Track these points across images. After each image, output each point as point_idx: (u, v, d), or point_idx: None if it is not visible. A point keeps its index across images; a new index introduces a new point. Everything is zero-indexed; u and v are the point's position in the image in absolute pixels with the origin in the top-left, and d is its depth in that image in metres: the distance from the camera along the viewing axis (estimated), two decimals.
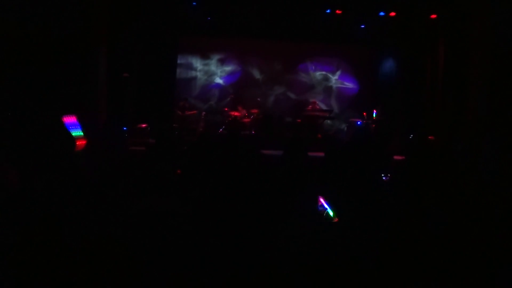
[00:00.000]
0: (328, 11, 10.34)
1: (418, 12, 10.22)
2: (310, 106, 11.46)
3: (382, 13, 10.35)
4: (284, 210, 2.25)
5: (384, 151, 4.29)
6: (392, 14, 10.32)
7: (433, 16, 10.16)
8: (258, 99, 12.33)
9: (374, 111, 11.25)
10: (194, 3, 10.20)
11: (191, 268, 1.92)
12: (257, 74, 12.75)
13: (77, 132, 2.72)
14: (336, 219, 2.09)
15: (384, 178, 2.63)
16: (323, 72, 12.87)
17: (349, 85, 12.88)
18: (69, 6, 7.88)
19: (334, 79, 12.90)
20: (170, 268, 1.95)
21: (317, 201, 2.28)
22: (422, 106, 11.18)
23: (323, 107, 12.03)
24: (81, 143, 2.60)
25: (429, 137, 9.50)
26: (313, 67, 12.84)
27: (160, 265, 1.96)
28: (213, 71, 12.67)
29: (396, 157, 4.87)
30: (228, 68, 12.68)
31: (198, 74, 12.64)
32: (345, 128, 11.93)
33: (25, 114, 6.54)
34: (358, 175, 2.23)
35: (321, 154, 4.19)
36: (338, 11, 10.33)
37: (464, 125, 8.72)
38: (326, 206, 2.24)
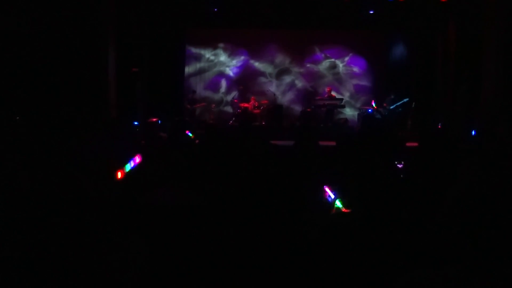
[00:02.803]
0: None
1: None
2: (326, 95, 11.37)
3: None
4: (295, 200, 2.24)
5: (396, 138, 4.24)
6: None
7: None
8: (268, 89, 12.29)
9: (373, 101, 11.13)
10: None
11: (203, 259, 1.94)
12: (265, 64, 12.68)
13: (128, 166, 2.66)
14: (344, 209, 2.06)
15: (398, 166, 2.59)
16: (333, 60, 12.74)
17: (359, 71, 12.73)
18: (77, 2, 7.91)
19: (344, 67, 12.76)
20: (183, 259, 1.96)
21: (323, 191, 2.24)
22: (434, 90, 11.01)
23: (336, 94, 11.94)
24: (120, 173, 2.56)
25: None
26: (322, 55, 12.71)
27: (174, 256, 1.98)
28: (222, 62, 12.63)
29: (408, 144, 4.80)
30: (237, 59, 12.62)
31: (207, 66, 12.61)
32: (357, 116, 11.84)
33: (36, 113, 6.62)
34: (371, 163, 2.21)
35: (333, 143, 4.16)
36: None
37: (479, 108, 8.56)
38: (333, 196, 2.19)
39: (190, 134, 5.04)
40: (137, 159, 2.56)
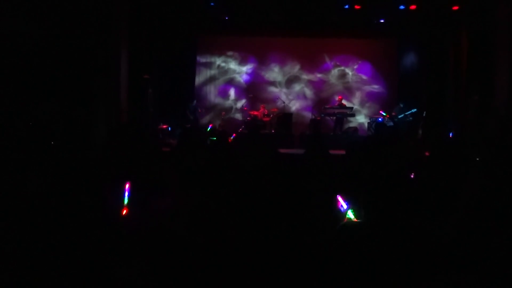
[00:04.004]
0: (347, 6, 10.22)
1: (439, 4, 9.99)
2: (337, 103, 11.35)
3: (402, 7, 10.18)
4: (306, 209, 2.24)
5: (407, 147, 4.22)
6: (413, 7, 10.12)
7: (455, 7, 9.92)
8: (277, 97, 12.31)
9: (381, 111, 11.10)
10: (212, 3, 10.25)
11: (211, 264, 1.94)
12: (275, 72, 12.72)
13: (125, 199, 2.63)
14: (355, 219, 2.04)
15: (411, 176, 2.57)
16: (342, 68, 12.73)
17: (369, 80, 12.69)
18: (90, 9, 8.03)
19: (354, 75, 12.74)
20: (193, 263, 1.97)
21: (336, 201, 2.22)
22: (445, 99, 10.93)
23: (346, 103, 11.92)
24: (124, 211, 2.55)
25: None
26: (332, 63, 12.71)
27: (184, 260, 1.99)
28: (232, 70, 12.70)
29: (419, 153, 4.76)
30: (247, 67, 12.69)
31: (217, 73, 12.69)
32: (367, 124, 11.79)
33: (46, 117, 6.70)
34: (382, 172, 2.19)
35: (342, 151, 4.15)
36: (356, 6, 10.20)
37: (490, 116, 8.47)
38: (345, 206, 2.18)
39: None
40: (127, 186, 2.57)
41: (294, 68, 12.71)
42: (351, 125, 12.04)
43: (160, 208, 2.41)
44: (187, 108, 11.37)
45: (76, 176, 2.62)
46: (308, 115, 12.18)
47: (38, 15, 7.35)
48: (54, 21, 7.62)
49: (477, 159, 3.54)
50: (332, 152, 4.11)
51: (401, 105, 10.85)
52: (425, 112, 10.99)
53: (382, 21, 11.17)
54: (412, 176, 2.63)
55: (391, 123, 10.46)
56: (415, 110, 10.65)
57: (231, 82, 12.71)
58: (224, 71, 12.70)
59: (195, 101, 11.63)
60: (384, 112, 11.02)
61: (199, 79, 12.56)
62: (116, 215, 2.39)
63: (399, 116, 10.73)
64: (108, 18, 8.44)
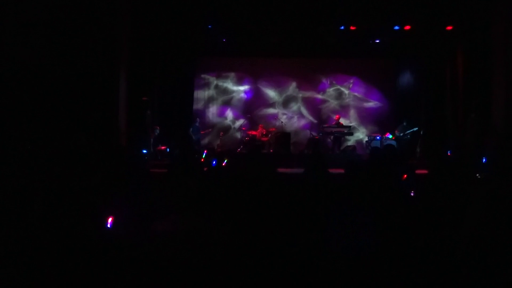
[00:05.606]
0: (342, 27, 10.39)
1: (433, 24, 10.17)
2: (334, 122, 11.40)
3: (396, 27, 10.35)
4: (306, 228, 2.21)
5: (405, 165, 4.21)
6: (407, 27, 10.30)
7: (449, 27, 10.09)
8: (275, 117, 12.37)
9: (397, 131, 11.12)
10: (209, 26, 10.42)
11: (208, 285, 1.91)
12: (273, 92, 12.81)
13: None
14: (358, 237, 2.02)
15: (412, 194, 2.56)
16: (340, 87, 12.84)
17: (366, 99, 12.79)
18: (90, 32, 8.14)
19: (351, 94, 12.84)
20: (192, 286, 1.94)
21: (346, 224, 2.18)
22: (443, 117, 11.00)
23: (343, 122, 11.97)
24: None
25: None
26: (329, 83, 12.83)
27: (183, 283, 1.96)
28: (230, 90, 12.81)
29: (418, 171, 4.75)
30: (245, 87, 12.79)
31: (215, 94, 12.78)
32: (365, 143, 11.82)
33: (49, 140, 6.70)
34: (383, 191, 2.18)
35: (341, 170, 4.14)
36: (352, 27, 10.37)
37: (488, 135, 8.50)
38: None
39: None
40: (110, 220, 2.48)
41: (292, 88, 12.81)
42: (349, 143, 12.05)
43: (159, 231, 2.38)
44: (191, 127, 11.44)
45: (74, 194, 2.61)
46: (306, 134, 12.21)
47: (37, 39, 7.44)
48: (54, 44, 7.72)
49: (478, 175, 3.54)
50: (331, 171, 4.10)
51: (404, 124, 10.90)
52: (422, 131, 11.04)
53: (377, 41, 11.33)
54: (412, 194, 2.62)
55: (392, 142, 10.49)
56: (416, 128, 10.72)
57: (229, 103, 12.80)
58: (222, 92, 12.80)
59: (198, 121, 11.69)
60: (398, 131, 11.00)
61: (197, 100, 12.64)
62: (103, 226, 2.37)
63: (400, 134, 10.79)
64: (108, 41, 8.54)
